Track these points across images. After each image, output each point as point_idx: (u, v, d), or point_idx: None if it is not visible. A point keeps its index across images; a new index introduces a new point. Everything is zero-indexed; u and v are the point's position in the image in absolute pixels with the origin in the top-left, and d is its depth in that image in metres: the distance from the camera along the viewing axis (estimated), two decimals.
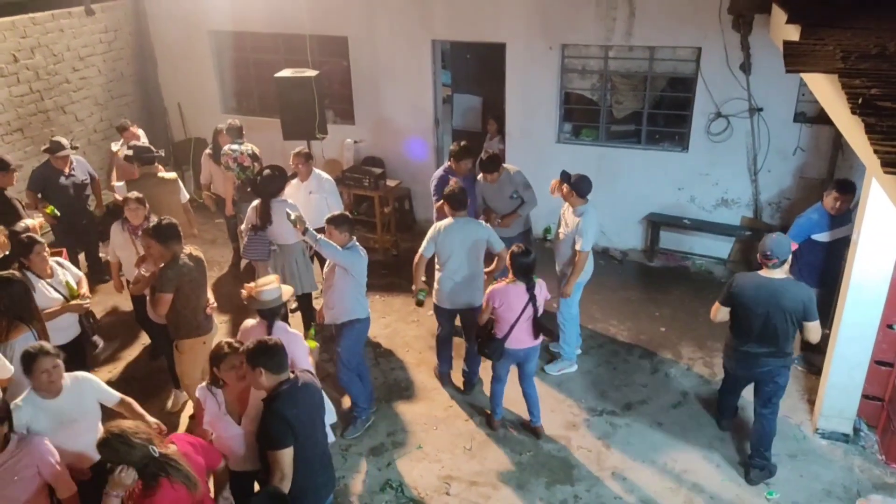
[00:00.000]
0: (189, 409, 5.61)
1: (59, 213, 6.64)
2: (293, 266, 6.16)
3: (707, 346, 6.41)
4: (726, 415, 5.45)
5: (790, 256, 4.62)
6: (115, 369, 6.29)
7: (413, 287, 5.71)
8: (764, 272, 4.59)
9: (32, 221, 5.66)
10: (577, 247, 5.60)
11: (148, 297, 5.13)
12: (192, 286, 4.93)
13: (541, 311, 5.05)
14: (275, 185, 6.04)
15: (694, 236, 7.73)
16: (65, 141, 6.94)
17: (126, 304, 6.66)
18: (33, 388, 3.71)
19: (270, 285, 4.44)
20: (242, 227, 6.26)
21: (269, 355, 3.47)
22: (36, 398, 3.71)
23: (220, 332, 6.60)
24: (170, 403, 5.75)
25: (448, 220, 5.48)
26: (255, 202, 6.11)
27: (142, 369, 6.25)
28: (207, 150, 7.70)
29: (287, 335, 4.35)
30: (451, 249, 5.43)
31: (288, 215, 5.02)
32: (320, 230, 6.71)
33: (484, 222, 5.77)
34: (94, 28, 8.78)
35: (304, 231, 4.94)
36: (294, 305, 6.69)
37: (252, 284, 4.52)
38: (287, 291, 4.58)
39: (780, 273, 4.56)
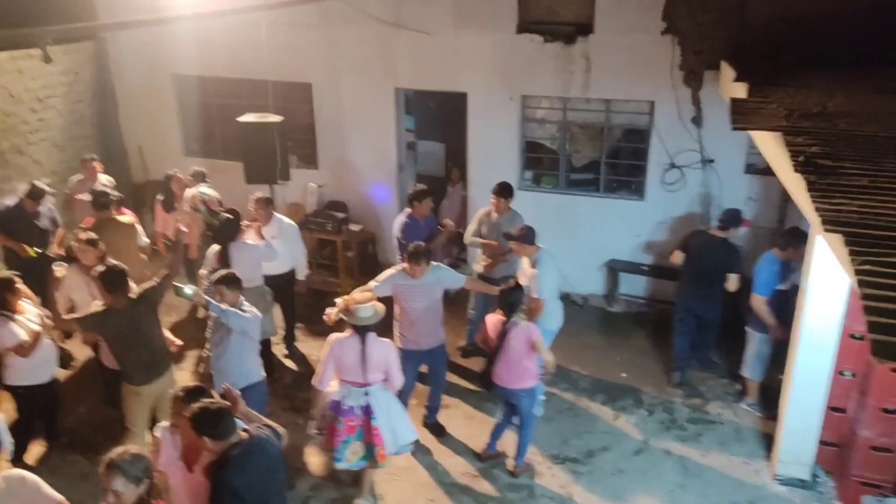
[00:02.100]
0: None
1: (37, 252, 6.62)
2: (260, 308, 6.08)
3: (667, 392, 6.49)
4: (679, 365, 6.48)
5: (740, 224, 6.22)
6: (76, 414, 6.11)
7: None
8: (714, 232, 6.20)
9: None
10: (533, 294, 5.62)
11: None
12: (125, 337, 4.80)
13: (519, 352, 5.06)
14: (234, 229, 6.02)
15: (653, 282, 7.88)
16: (45, 187, 6.84)
17: (82, 352, 6.47)
18: None
19: (367, 304, 4.75)
20: (202, 271, 6.17)
21: (212, 423, 3.31)
22: None
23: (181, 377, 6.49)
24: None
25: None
26: (216, 246, 6.05)
27: (101, 416, 6.04)
28: (159, 196, 7.63)
29: (380, 345, 4.75)
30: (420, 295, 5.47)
31: (178, 290, 4.83)
32: (287, 275, 6.76)
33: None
34: (53, 70, 8.67)
35: (206, 304, 4.78)
36: None
37: (348, 298, 4.88)
38: (381, 310, 4.81)
39: (724, 234, 6.12)
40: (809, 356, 4.92)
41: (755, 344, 5.97)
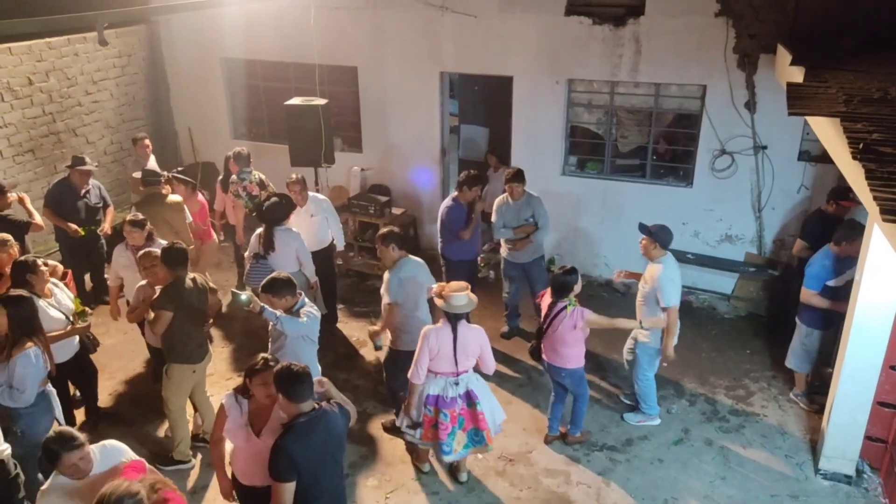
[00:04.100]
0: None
1: (84, 233, 6.85)
2: None
3: (710, 383, 6.37)
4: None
5: None
6: (117, 390, 6.30)
7: (373, 332, 5.57)
8: None
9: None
10: (662, 304, 5.32)
11: (147, 319, 5.15)
12: (190, 311, 4.95)
13: (562, 336, 5.10)
14: (280, 213, 6.10)
15: (697, 271, 7.72)
16: (87, 158, 7.04)
17: (133, 328, 6.68)
18: (60, 472, 3.32)
19: (461, 292, 4.68)
20: (246, 254, 6.30)
21: (291, 382, 3.45)
22: (65, 483, 3.32)
23: (222, 357, 6.66)
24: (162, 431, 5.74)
25: (402, 262, 5.37)
26: (259, 230, 6.15)
27: (144, 391, 6.24)
28: (220, 178, 7.75)
29: (472, 332, 4.73)
30: (416, 290, 5.43)
31: (235, 296, 4.56)
32: (329, 248, 6.83)
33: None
34: (108, 53, 8.92)
35: (261, 311, 4.57)
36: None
37: (443, 284, 4.84)
38: (474, 298, 4.76)
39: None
40: (859, 350, 4.77)
41: (801, 337, 5.79)
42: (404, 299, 5.31)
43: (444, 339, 4.65)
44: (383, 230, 5.44)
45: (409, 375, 4.81)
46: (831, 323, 5.59)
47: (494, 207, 6.75)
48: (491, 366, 4.88)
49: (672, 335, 5.42)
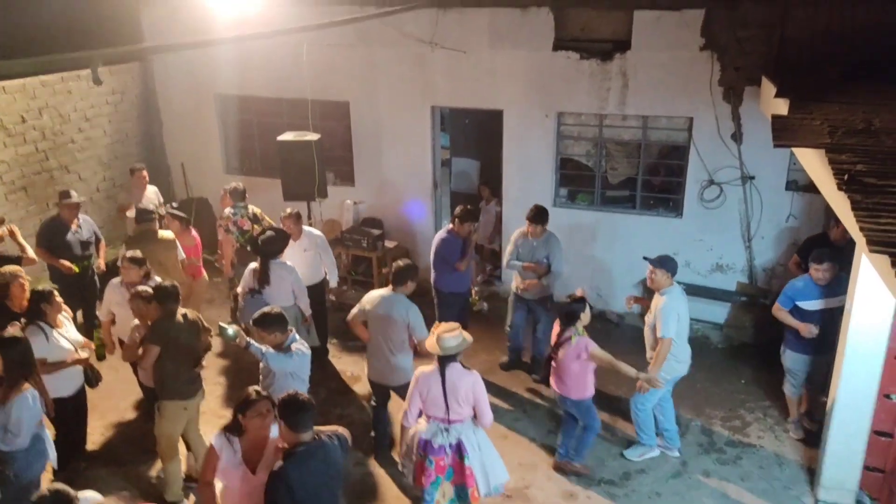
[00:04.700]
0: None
1: (77, 269, 6.81)
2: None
3: (705, 413, 6.35)
4: None
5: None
6: (108, 429, 6.22)
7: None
8: None
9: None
10: (658, 332, 5.31)
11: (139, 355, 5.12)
12: (178, 347, 4.92)
13: (567, 365, 5.10)
14: (276, 246, 6.11)
15: (690, 301, 7.68)
16: (73, 192, 7.06)
17: (125, 366, 6.61)
18: None
19: (453, 332, 4.54)
20: (239, 289, 6.28)
21: (295, 411, 3.48)
22: None
23: (215, 395, 6.59)
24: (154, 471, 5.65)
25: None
26: (253, 264, 6.15)
27: (136, 431, 6.15)
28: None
29: (465, 377, 4.51)
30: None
31: (222, 330, 4.57)
32: (320, 284, 6.83)
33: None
34: (101, 90, 8.98)
35: (247, 346, 4.59)
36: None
37: (435, 330, 4.62)
38: (468, 338, 4.62)
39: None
40: (854, 378, 4.78)
41: (787, 361, 5.86)
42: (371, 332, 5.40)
43: (433, 382, 4.52)
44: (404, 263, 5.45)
45: (400, 417, 4.76)
46: (819, 349, 5.61)
47: (511, 238, 6.76)
48: (486, 419, 4.63)
49: (658, 364, 5.39)
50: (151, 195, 8.14)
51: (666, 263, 5.41)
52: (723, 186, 7.29)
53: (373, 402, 5.84)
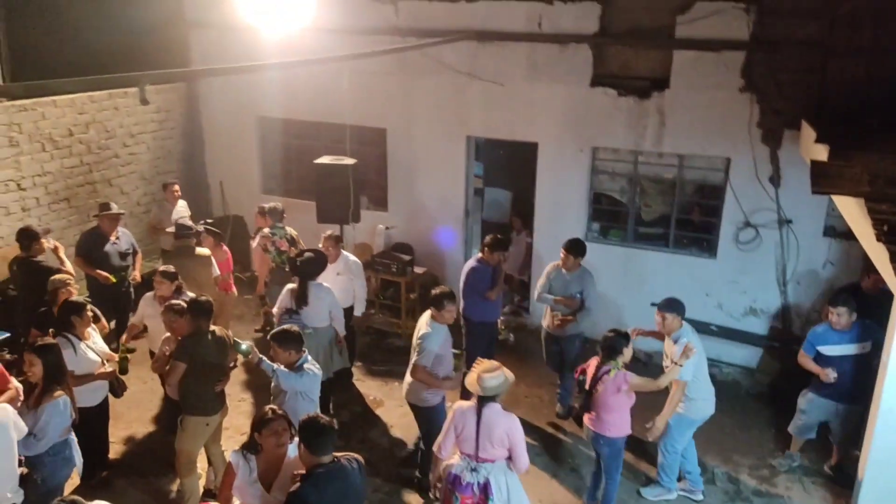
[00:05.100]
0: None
1: (114, 280, 6.96)
2: (325, 349, 6.21)
3: (733, 461, 6.19)
4: None
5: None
6: (132, 440, 6.29)
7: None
8: None
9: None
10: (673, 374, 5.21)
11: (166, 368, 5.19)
12: (205, 364, 4.98)
13: (606, 400, 4.98)
14: (315, 268, 6.18)
15: (721, 344, 7.61)
16: (113, 204, 7.25)
17: (153, 377, 6.70)
18: None
19: (494, 372, 4.39)
20: (274, 310, 6.31)
21: (316, 434, 3.51)
22: None
23: (239, 410, 6.65)
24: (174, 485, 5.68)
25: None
26: (291, 285, 6.21)
27: (159, 443, 6.21)
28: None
29: (503, 419, 4.35)
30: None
31: (236, 345, 4.70)
32: (348, 310, 6.86)
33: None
34: (147, 108, 9.25)
35: (259, 362, 4.69)
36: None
37: (478, 367, 4.45)
38: (511, 378, 4.46)
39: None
40: (888, 436, 4.61)
41: (802, 402, 5.85)
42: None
43: (469, 419, 4.42)
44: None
45: (433, 447, 4.71)
46: (852, 397, 5.51)
47: (544, 272, 6.67)
48: (521, 464, 4.44)
49: (670, 409, 5.31)
50: (182, 209, 8.35)
51: (675, 307, 5.34)
52: (759, 229, 7.19)
53: (422, 446, 5.73)
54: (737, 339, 7.48)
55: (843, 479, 5.75)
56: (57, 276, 5.79)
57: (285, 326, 4.86)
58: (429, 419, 5.41)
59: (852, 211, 3.99)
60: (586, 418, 5.22)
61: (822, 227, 7.01)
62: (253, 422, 3.87)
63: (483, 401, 4.37)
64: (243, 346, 4.62)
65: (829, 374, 5.49)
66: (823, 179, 4.07)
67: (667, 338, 5.43)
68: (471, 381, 4.43)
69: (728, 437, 6.48)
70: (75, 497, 3.42)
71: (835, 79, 6.22)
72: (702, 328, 7.56)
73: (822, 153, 4.84)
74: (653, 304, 5.49)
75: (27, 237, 6.39)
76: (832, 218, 6.93)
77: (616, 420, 5.09)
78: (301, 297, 6.06)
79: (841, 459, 5.87)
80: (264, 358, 4.72)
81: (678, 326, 5.33)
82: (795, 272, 7.17)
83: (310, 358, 4.86)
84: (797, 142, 6.59)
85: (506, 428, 4.35)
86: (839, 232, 6.94)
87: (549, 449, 6.33)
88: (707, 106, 7.07)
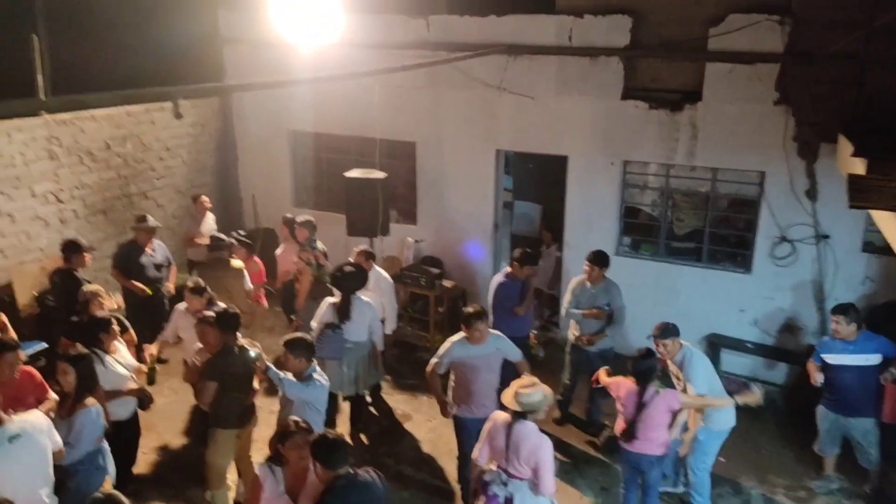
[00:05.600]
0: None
1: (150, 292, 7.06)
2: (363, 363, 6.24)
3: (768, 482, 6.04)
4: None
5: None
6: (163, 451, 6.36)
7: None
8: None
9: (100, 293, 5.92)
10: (690, 391, 5.14)
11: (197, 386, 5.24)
12: (235, 378, 5.00)
13: (656, 419, 4.89)
14: (357, 282, 6.21)
15: (756, 361, 7.45)
16: (149, 216, 7.39)
17: (186, 388, 6.77)
18: None
19: (532, 387, 4.32)
20: (313, 323, 6.29)
21: (328, 450, 3.52)
22: None
23: (270, 422, 6.67)
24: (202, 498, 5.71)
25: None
26: (331, 299, 6.23)
27: (191, 454, 6.25)
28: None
29: (533, 438, 4.26)
30: None
31: (246, 351, 4.76)
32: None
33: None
34: (183, 122, 9.44)
35: (266, 369, 4.75)
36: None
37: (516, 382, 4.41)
38: (550, 395, 4.40)
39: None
40: None
41: (817, 419, 5.84)
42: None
43: (501, 432, 4.39)
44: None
45: (473, 451, 4.70)
46: (834, 406, 5.63)
47: (569, 287, 6.63)
48: (546, 488, 4.31)
49: (696, 421, 5.23)
50: (210, 222, 8.48)
51: (670, 332, 5.29)
52: (795, 244, 7.04)
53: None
54: (772, 356, 7.32)
55: (882, 501, 5.58)
56: (88, 287, 5.88)
57: (298, 334, 4.94)
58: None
59: (891, 226, 3.89)
60: (633, 445, 5.03)
61: (861, 242, 6.84)
62: (276, 434, 3.90)
63: (517, 416, 4.32)
64: (251, 353, 4.72)
65: (816, 378, 5.59)
66: (861, 194, 3.97)
67: (670, 363, 5.38)
68: (507, 395, 4.36)
69: (763, 458, 6.33)
70: (112, 492, 3.47)
71: (872, 91, 6.08)
72: (736, 345, 7.45)
73: (859, 167, 4.72)
74: (648, 337, 5.42)
75: (71, 249, 6.52)
76: (871, 233, 6.76)
77: (663, 437, 5.01)
78: (344, 312, 6.08)
79: (881, 484, 5.68)
80: (271, 366, 4.80)
81: (679, 348, 5.29)
82: (833, 289, 7.00)
83: (318, 368, 4.88)
84: (834, 155, 6.42)
85: (534, 447, 4.27)
86: (878, 247, 6.77)
87: (578, 467, 6.24)
88: (741, 119, 6.97)
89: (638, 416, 4.92)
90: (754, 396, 5.13)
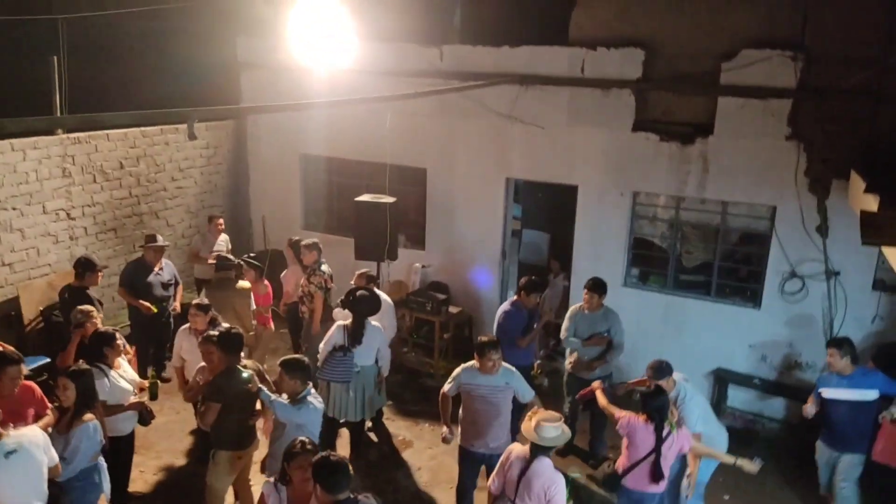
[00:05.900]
0: None
1: (156, 310, 7.07)
2: (370, 388, 6.21)
3: None
4: None
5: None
6: (162, 470, 6.30)
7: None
8: None
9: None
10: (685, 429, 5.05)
11: (198, 406, 5.20)
12: (238, 399, 4.96)
13: (668, 459, 4.82)
14: (370, 306, 6.20)
15: (764, 398, 7.34)
16: (158, 236, 7.44)
17: (187, 408, 6.74)
18: None
19: (555, 422, 4.25)
20: (321, 346, 6.24)
21: (328, 473, 3.48)
22: None
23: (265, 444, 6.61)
24: None
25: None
26: (343, 322, 6.20)
27: (190, 474, 6.19)
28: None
29: (548, 474, 4.18)
30: None
31: (239, 372, 4.74)
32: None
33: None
34: (196, 144, 9.53)
35: (258, 391, 4.72)
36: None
37: (534, 414, 4.34)
38: (567, 433, 4.33)
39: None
40: None
41: (816, 454, 5.81)
42: None
43: (517, 464, 4.31)
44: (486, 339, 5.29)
45: (489, 480, 4.63)
46: (829, 439, 5.63)
47: (568, 315, 6.59)
48: None
49: (696, 462, 5.15)
50: (222, 243, 8.55)
51: (664, 371, 5.23)
52: (805, 280, 6.98)
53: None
54: (780, 393, 7.21)
55: None
56: (81, 308, 5.80)
57: (295, 356, 4.91)
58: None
59: None
60: (640, 484, 4.92)
61: (872, 279, 6.77)
62: (284, 451, 3.90)
63: (536, 450, 4.24)
64: (244, 374, 4.71)
65: (808, 409, 5.64)
66: (873, 230, 3.94)
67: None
68: (528, 427, 4.29)
69: (769, 497, 6.20)
70: None
71: (885, 128, 6.09)
72: (744, 381, 7.35)
73: (872, 203, 4.70)
74: (645, 376, 5.37)
75: (86, 267, 6.57)
76: (882, 270, 6.69)
77: (668, 475, 4.92)
78: (356, 336, 6.05)
79: None
80: (263, 388, 4.78)
81: (673, 386, 5.25)
82: (843, 326, 6.90)
83: (313, 391, 4.82)
84: (846, 191, 6.41)
85: (547, 484, 4.18)
86: (889, 285, 6.70)
87: (582, 500, 6.12)
88: (752, 153, 6.97)
89: (659, 456, 4.80)
90: (752, 465, 5.04)
